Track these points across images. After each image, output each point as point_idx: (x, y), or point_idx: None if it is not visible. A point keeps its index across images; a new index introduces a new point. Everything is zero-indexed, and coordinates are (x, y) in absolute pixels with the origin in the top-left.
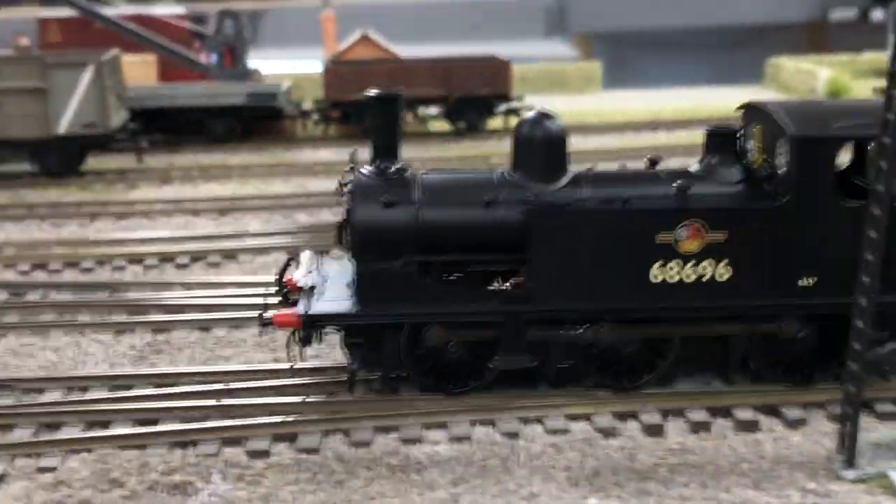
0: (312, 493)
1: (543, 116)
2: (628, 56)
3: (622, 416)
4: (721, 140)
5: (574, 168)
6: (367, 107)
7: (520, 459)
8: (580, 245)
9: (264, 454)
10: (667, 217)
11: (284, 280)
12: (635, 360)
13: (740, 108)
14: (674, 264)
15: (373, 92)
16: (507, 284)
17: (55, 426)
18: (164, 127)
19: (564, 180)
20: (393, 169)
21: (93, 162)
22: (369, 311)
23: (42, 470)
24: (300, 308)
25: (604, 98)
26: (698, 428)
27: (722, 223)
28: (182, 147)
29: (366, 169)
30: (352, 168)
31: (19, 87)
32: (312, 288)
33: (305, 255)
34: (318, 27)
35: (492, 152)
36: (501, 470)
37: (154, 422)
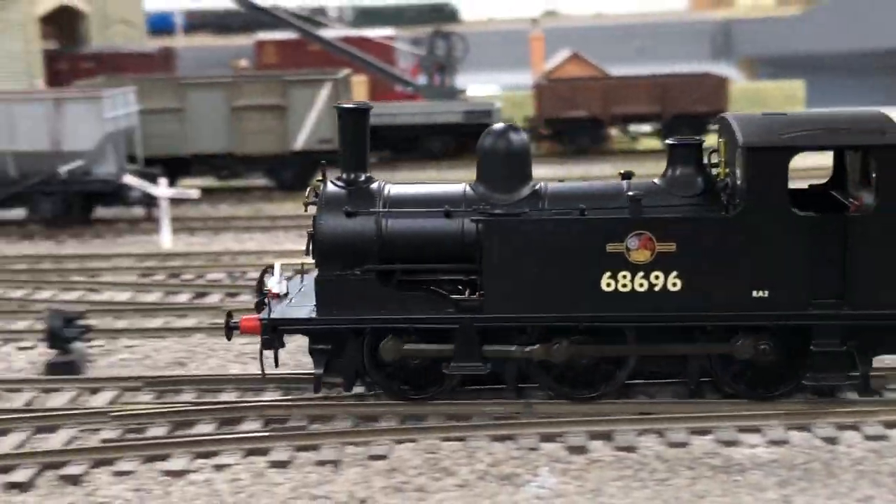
0: (639, 490)
1: (508, 129)
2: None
3: None
4: (683, 152)
5: (540, 181)
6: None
7: (843, 464)
8: (531, 255)
9: (582, 450)
10: (617, 227)
11: (266, 289)
12: (593, 372)
13: (715, 121)
14: (625, 274)
15: (343, 105)
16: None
17: (372, 418)
18: (383, 144)
19: (525, 192)
20: (361, 179)
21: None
22: (327, 317)
23: (374, 457)
24: (264, 313)
25: None
26: None
27: (672, 234)
28: (399, 164)
29: (334, 180)
30: (321, 180)
31: (259, 104)
32: (285, 295)
33: (278, 265)
34: (515, 48)
35: None
36: (826, 474)
37: (468, 417)
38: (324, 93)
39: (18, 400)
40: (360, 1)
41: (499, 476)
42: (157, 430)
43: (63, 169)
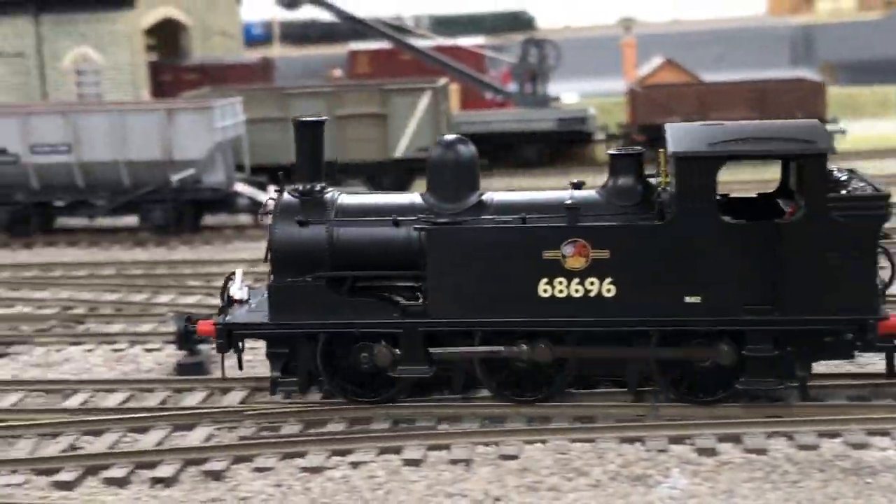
0: (771, 492)
1: (456, 142)
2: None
3: None
4: (623, 163)
5: (489, 191)
6: (296, 130)
7: None
8: (472, 262)
9: (712, 452)
10: (553, 235)
11: (230, 295)
12: (536, 375)
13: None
14: (561, 280)
15: (299, 118)
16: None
17: (500, 419)
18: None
19: (472, 201)
20: (316, 190)
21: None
22: (278, 322)
23: (505, 457)
24: (220, 318)
25: None
26: None
27: (605, 241)
28: (494, 171)
29: (290, 190)
30: (278, 190)
31: (361, 113)
32: (246, 301)
33: (239, 272)
34: (594, 55)
35: None
36: None
37: (592, 419)
38: (423, 101)
39: (153, 399)
40: (437, 10)
41: (630, 477)
42: (291, 428)
43: (174, 178)
